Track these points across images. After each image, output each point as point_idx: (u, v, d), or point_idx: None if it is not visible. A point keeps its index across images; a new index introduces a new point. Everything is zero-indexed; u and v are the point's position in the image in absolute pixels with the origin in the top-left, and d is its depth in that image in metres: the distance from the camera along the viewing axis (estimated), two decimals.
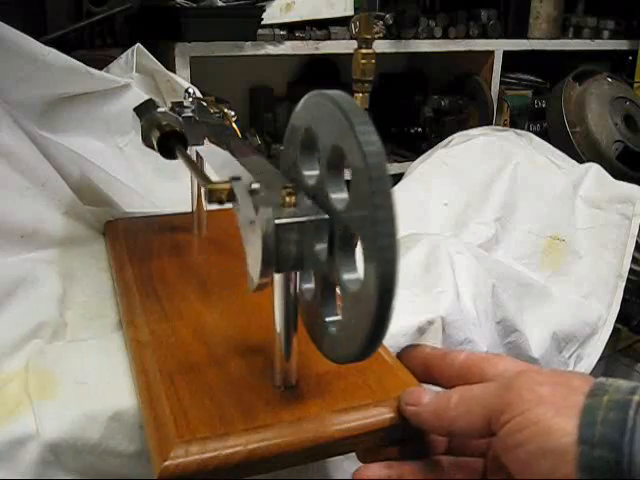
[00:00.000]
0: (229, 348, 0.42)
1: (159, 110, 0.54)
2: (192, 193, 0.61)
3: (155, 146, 0.52)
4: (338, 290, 0.34)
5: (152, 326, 0.45)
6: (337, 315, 0.35)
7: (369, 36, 1.01)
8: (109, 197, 0.68)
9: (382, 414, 0.36)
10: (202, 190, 0.61)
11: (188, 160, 0.48)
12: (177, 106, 0.57)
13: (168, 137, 0.51)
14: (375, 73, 1.04)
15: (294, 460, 0.35)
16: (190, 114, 0.55)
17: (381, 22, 1.51)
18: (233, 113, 0.55)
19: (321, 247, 0.33)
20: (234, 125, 0.54)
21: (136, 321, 0.46)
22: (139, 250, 0.58)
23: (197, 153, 0.58)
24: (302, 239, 0.32)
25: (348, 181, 0.32)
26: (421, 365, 0.40)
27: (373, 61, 1.02)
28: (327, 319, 0.35)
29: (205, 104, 0.57)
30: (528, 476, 0.29)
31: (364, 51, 1.02)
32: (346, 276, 0.33)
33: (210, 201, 0.35)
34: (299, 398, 0.37)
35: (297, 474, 0.43)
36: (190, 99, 0.57)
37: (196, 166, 0.47)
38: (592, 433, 0.27)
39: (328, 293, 0.35)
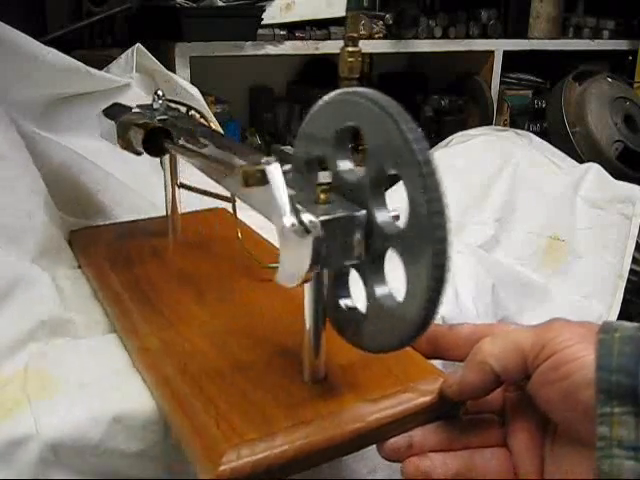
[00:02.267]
0: (244, 350, 0.42)
1: (134, 111, 0.52)
2: (166, 196, 0.58)
3: (136, 144, 0.51)
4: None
5: (159, 334, 0.44)
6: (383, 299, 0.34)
7: (355, 34, 1.01)
8: (106, 198, 0.68)
9: (412, 400, 0.37)
10: (176, 193, 0.58)
11: (180, 153, 0.46)
12: (147, 109, 0.54)
13: (154, 133, 0.49)
14: (375, 73, 1.04)
15: (338, 452, 0.36)
16: (162, 117, 0.53)
17: (381, 22, 1.51)
18: (199, 116, 0.54)
19: (358, 242, 0.33)
20: (213, 125, 0.53)
21: (138, 330, 0.45)
22: (119, 258, 0.56)
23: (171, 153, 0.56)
24: (340, 235, 0.32)
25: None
26: (426, 342, 0.41)
27: (360, 59, 1.02)
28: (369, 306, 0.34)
29: (174, 105, 0.55)
30: (569, 407, 0.33)
31: (350, 49, 1.01)
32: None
33: (247, 185, 0.33)
34: (331, 391, 0.37)
35: (300, 474, 0.43)
36: (160, 101, 0.55)
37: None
38: (610, 362, 0.31)
39: (369, 281, 0.34)
